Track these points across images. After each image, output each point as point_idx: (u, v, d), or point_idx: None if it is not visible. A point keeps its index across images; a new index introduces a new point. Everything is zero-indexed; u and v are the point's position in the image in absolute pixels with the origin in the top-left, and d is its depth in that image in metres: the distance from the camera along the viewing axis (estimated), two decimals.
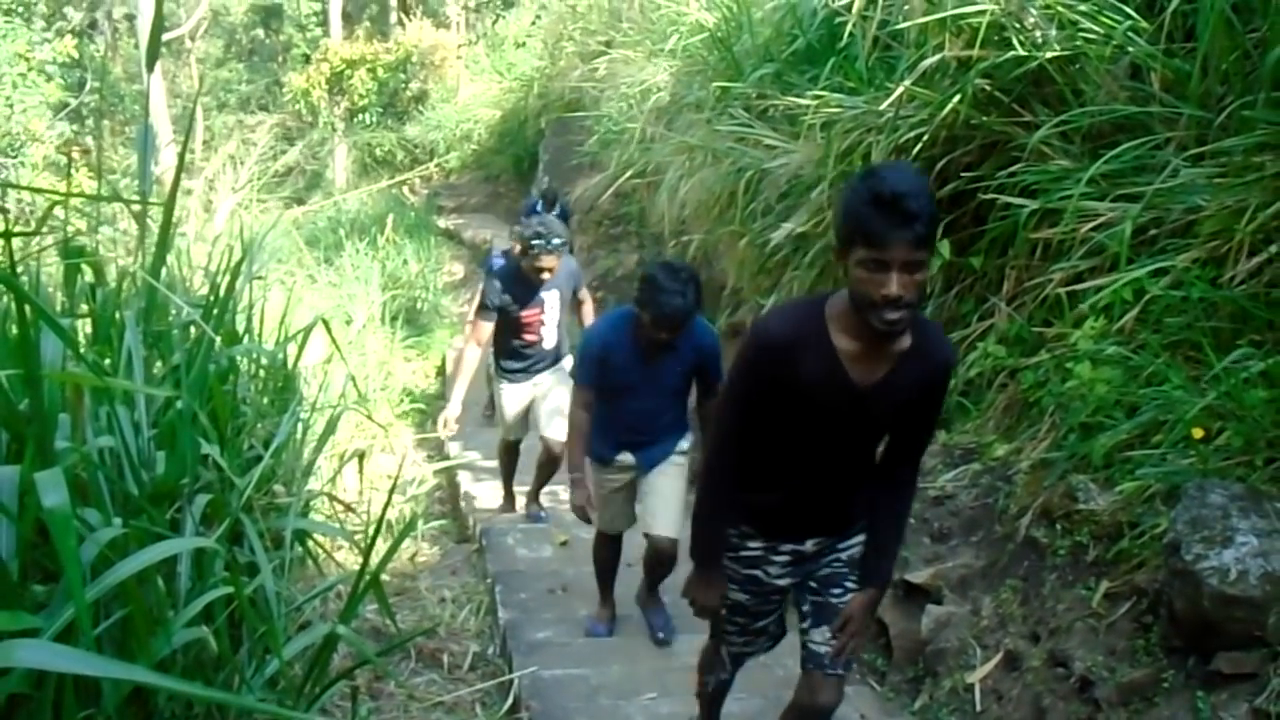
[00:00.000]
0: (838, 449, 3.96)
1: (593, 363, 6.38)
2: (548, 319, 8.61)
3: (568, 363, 8.81)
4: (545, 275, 8.17)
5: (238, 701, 3.45)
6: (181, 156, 4.71)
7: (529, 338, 8.64)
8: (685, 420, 6.74)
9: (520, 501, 9.70)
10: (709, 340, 6.40)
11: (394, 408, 13.31)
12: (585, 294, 9.24)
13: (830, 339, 3.68)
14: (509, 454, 9.53)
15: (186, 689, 3.18)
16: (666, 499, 6.56)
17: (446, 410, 8.70)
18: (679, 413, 6.67)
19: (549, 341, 8.73)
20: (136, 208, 5.01)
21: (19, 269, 4.54)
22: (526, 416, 9.07)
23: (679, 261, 6.85)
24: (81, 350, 3.80)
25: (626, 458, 6.62)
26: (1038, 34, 6.34)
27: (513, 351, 8.76)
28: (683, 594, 4.45)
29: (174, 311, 5.09)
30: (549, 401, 8.81)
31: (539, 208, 14.62)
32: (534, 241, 7.99)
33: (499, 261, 8.96)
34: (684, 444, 6.68)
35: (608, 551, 7.00)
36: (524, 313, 8.47)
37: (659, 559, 6.65)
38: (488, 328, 8.50)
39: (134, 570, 2.93)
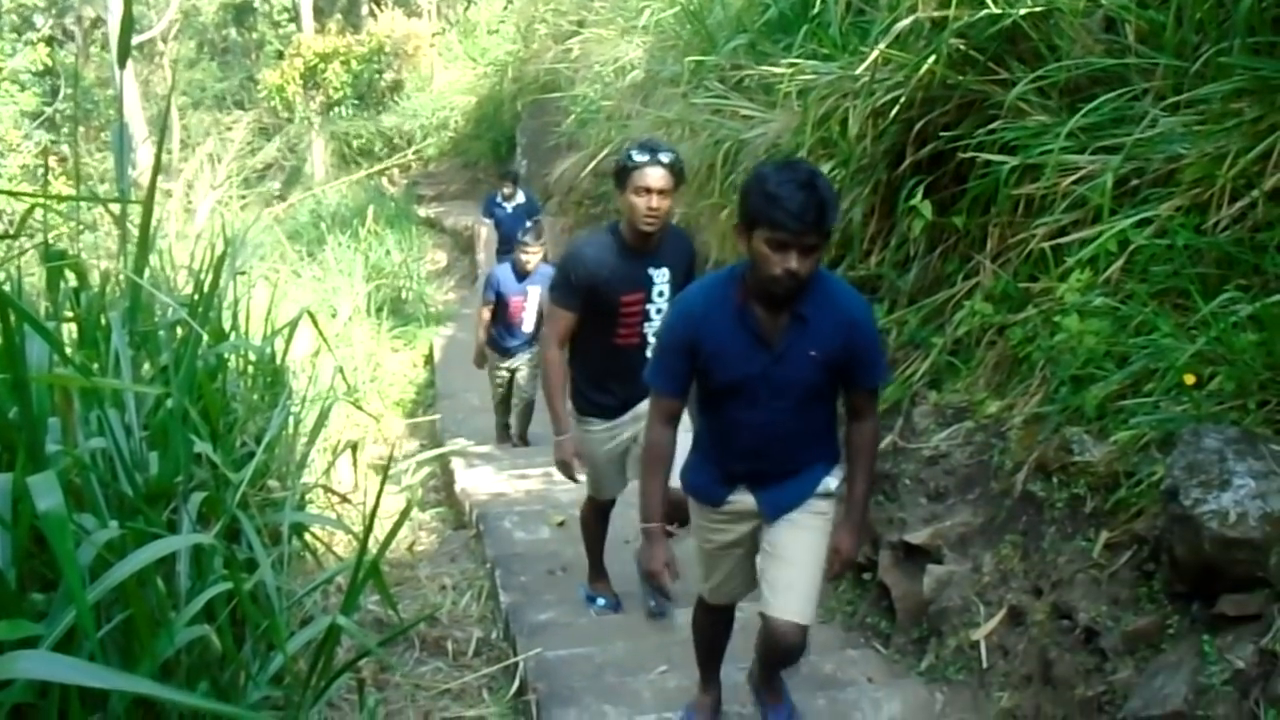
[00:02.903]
0: None
1: (676, 351, 4.46)
2: (655, 308, 6.07)
3: None
4: (650, 215, 5.79)
5: (240, 714, 3.43)
6: (158, 156, 4.67)
7: (623, 338, 6.08)
8: (833, 441, 4.76)
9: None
10: (860, 309, 4.52)
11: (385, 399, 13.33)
12: None
13: None
14: (597, 518, 6.90)
15: (191, 701, 3.17)
16: (797, 568, 4.61)
17: (563, 446, 6.30)
18: (820, 427, 4.65)
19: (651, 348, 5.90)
20: (116, 210, 5.00)
21: (1, 274, 4.53)
22: (624, 467, 6.49)
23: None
24: (68, 353, 3.79)
25: (743, 499, 4.70)
26: None
27: (598, 366, 6.22)
28: None
29: (159, 311, 5.09)
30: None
31: (498, 199, 14.55)
32: (635, 156, 5.80)
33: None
34: (831, 481, 4.71)
35: (712, 629, 5.27)
36: (626, 296, 6.00)
37: (779, 649, 4.71)
38: (569, 321, 6.09)
39: (133, 571, 2.93)
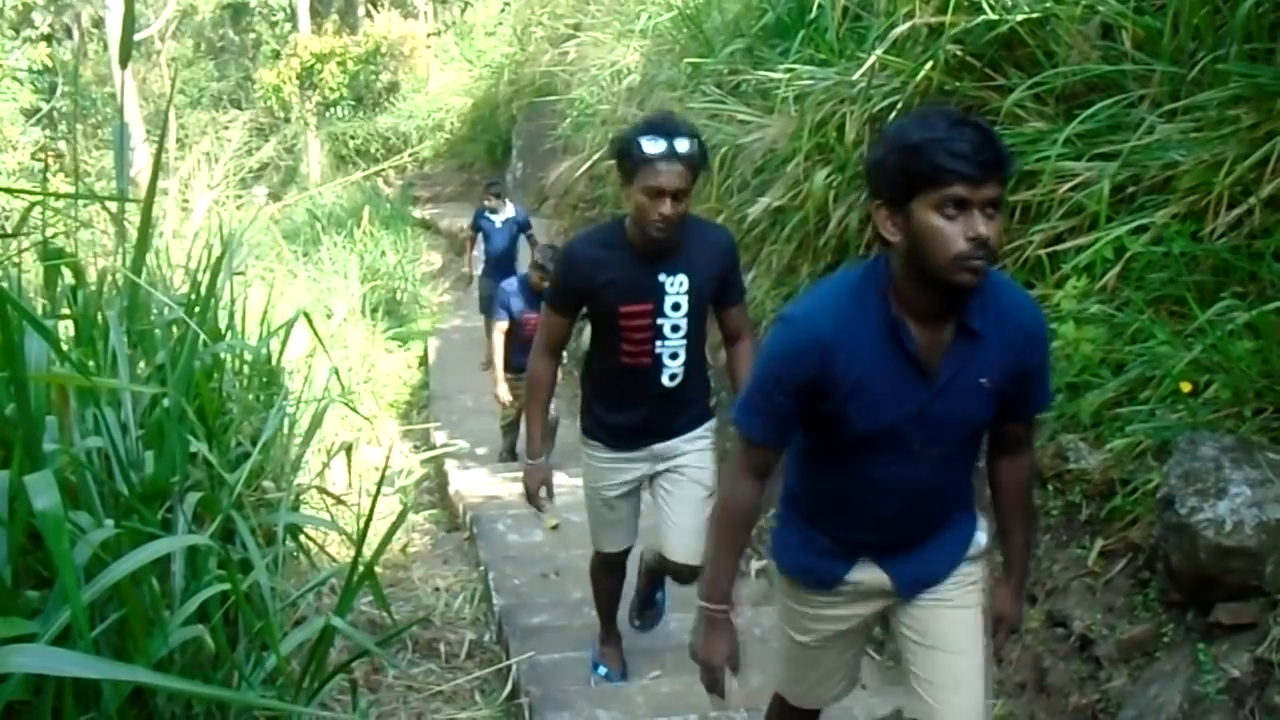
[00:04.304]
0: None
1: (788, 390, 3.14)
2: (670, 324, 4.92)
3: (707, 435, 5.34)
4: (662, 222, 4.60)
5: (239, 699, 3.44)
6: (158, 155, 4.68)
7: (631, 358, 4.97)
8: (972, 486, 3.57)
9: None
10: (1038, 316, 3.35)
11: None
12: (743, 316, 5.28)
13: None
14: (606, 571, 5.73)
15: (189, 688, 3.18)
16: (965, 658, 3.55)
17: (531, 473, 5.38)
18: (968, 474, 3.50)
19: (672, 370, 5.01)
20: (114, 208, 5.00)
21: None
22: (636, 514, 5.48)
23: None
24: (65, 351, 3.79)
25: (868, 575, 3.46)
26: None
27: (607, 388, 5.22)
28: None
29: (156, 310, 5.08)
30: (680, 511, 5.23)
31: (485, 212, 14.07)
32: (646, 145, 4.55)
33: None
34: (981, 536, 3.61)
35: None
36: (627, 307, 4.87)
37: None
38: (559, 328, 5.11)
39: (128, 571, 2.92)
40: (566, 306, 5.01)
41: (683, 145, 4.55)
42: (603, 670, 5.95)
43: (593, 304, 4.92)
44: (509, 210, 13.90)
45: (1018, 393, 3.24)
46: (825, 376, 3.05)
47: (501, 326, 10.18)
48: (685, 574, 5.20)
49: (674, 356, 4.96)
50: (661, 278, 4.83)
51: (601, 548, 5.54)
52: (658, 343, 4.91)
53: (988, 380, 3.12)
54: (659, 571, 5.64)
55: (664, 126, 4.61)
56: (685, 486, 5.22)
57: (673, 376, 5.00)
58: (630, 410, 5.13)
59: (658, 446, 5.20)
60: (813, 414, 3.18)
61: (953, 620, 3.50)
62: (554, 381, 5.27)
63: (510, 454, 11.18)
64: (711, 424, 5.34)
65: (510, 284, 10.39)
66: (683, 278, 4.85)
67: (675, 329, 4.90)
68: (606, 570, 5.68)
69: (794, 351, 3.10)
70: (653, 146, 4.52)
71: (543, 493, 5.35)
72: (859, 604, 3.52)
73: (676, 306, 4.87)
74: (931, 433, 3.17)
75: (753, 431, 3.25)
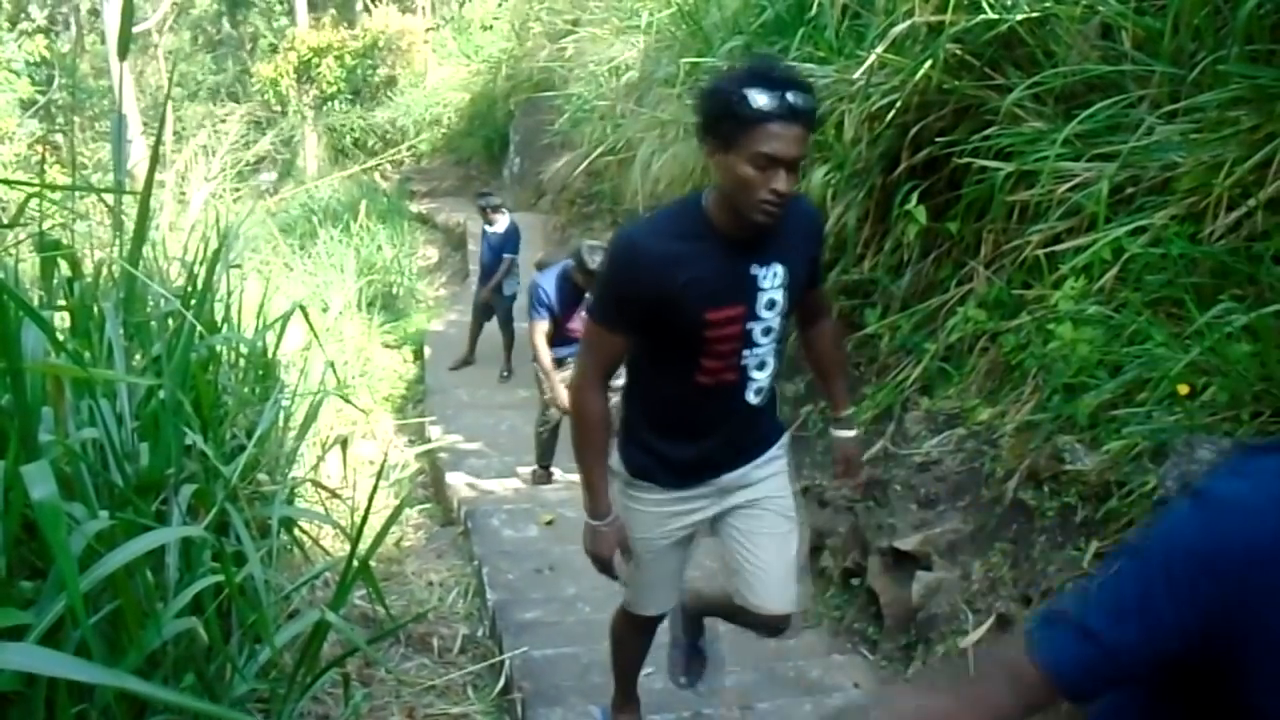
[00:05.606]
0: None
1: (1190, 604, 1.77)
2: (762, 326, 3.79)
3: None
4: (775, 201, 3.46)
5: (219, 713, 3.42)
6: (156, 148, 4.67)
7: (711, 376, 3.82)
8: None
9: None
10: None
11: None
12: (824, 294, 4.48)
13: None
14: (634, 632, 4.66)
15: (175, 699, 3.15)
16: None
17: (603, 537, 4.02)
18: None
19: (759, 384, 3.92)
20: (111, 200, 5.00)
21: None
22: (685, 567, 4.42)
23: None
24: (61, 342, 3.78)
25: None
26: None
27: (671, 416, 4.02)
28: None
29: (153, 302, 5.08)
30: (764, 551, 4.20)
31: (485, 224, 14.04)
32: (756, 98, 3.34)
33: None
34: None
35: None
36: (715, 313, 3.68)
37: None
38: (615, 349, 3.86)
39: (123, 562, 2.91)
40: (627, 321, 3.77)
41: (799, 98, 3.39)
42: None
43: (665, 313, 3.66)
44: (500, 225, 13.81)
45: None
46: (1239, 623, 1.75)
47: (542, 327, 9.29)
48: (776, 626, 4.33)
49: (761, 366, 3.88)
50: (754, 270, 3.72)
51: (640, 610, 4.45)
52: (746, 352, 3.80)
53: None
54: (722, 615, 4.67)
55: (774, 75, 3.42)
56: (767, 521, 4.20)
57: (759, 391, 3.93)
58: (704, 440, 4.01)
59: (726, 478, 4.12)
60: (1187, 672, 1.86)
61: None
62: (610, 419, 3.99)
63: (545, 471, 10.25)
64: (784, 440, 4.29)
65: (546, 279, 9.45)
66: (778, 268, 3.75)
67: (767, 331, 3.81)
68: (637, 631, 4.63)
69: (1206, 557, 1.77)
70: (766, 99, 3.35)
71: (618, 557, 4.10)
72: None
73: (771, 304, 3.77)
74: None
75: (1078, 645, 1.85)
